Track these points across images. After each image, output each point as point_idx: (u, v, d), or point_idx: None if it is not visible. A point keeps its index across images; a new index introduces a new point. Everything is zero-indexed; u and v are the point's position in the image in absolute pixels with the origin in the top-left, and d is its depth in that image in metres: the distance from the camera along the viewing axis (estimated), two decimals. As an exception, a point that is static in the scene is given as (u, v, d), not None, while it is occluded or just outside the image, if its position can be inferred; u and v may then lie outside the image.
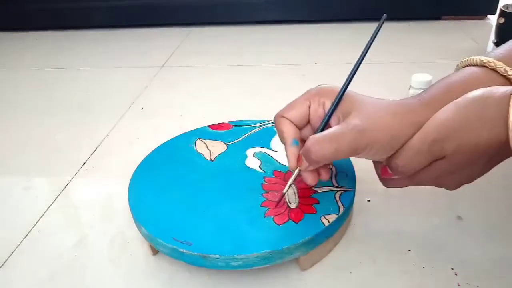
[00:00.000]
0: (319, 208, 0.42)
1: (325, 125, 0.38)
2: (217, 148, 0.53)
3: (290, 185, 0.40)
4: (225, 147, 0.53)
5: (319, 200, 0.44)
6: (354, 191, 0.45)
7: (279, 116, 0.40)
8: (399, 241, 0.45)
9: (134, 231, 0.48)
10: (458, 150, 0.32)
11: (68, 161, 0.63)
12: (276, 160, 0.50)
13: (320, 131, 0.38)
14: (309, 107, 0.39)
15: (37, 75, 0.97)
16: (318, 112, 0.39)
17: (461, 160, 0.33)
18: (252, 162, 0.50)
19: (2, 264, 0.46)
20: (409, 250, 0.43)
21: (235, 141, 0.54)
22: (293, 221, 0.41)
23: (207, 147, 0.53)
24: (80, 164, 0.62)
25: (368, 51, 0.38)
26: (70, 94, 0.86)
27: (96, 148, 0.66)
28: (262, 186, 0.46)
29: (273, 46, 1.06)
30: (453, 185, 0.37)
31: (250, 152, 0.52)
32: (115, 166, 0.61)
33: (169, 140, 0.56)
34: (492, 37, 0.93)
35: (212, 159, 0.51)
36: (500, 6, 0.91)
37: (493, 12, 1.10)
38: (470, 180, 0.36)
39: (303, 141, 0.40)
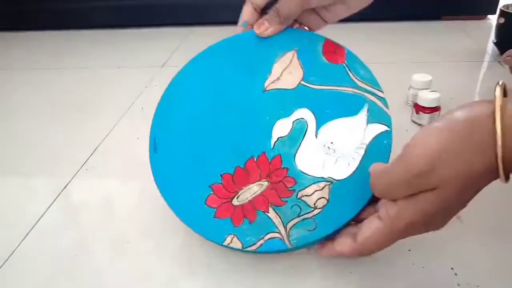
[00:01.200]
0: (245, 227, 0.40)
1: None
2: (288, 78, 0.45)
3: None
4: (295, 85, 0.45)
5: (256, 218, 0.41)
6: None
7: None
8: (399, 241, 0.45)
9: (134, 231, 0.48)
10: (449, 181, 0.29)
11: (68, 161, 0.63)
12: (298, 149, 0.43)
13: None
14: None
15: (37, 75, 0.97)
16: None
17: (452, 191, 0.29)
18: (281, 128, 0.44)
19: (2, 264, 0.46)
20: (409, 250, 0.43)
21: (314, 86, 0.45)
22: (214, 210, 0.41)
23: (283, 69, 0.46)
24: (80, 164, 0.62)
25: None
26: (70, 94, 0.86)
27: (96, 148, 0.66)
28: (248, 160, 0.43)
29: (273, 46, 1.06)
30: (440, 221, 0.34)
31: (298, 114, 0.44)
32: (115, 166, 0.61)
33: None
34: (492, 37, 0.93)
35: (266, 89, 0.45)
36: (500, 6, 0.91)
37: (493, 12, 1.10)
38: (456, 212, 0.33)
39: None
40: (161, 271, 0.43)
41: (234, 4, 1.32)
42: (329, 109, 0.44)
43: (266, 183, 0.42)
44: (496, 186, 0.53)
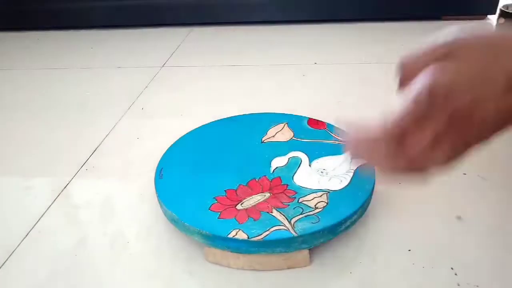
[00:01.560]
0: (249, 223, 0.42)
1: None
2: (282, 136, 0.56)
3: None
4: (288, 139, 0.56)
5: (261, 216, 0.43)
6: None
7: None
8: (399, 241, 0.45)
9: (134, 231, 0.48)
10: (470, 54, 0.26)
11: (68, 161, 0.63)
12: (295, 172, 0.50)
13: None
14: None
15: (37, 75, 0.97)
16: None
17: (473, 66, 0.25)
18: (278, 162, 0.52)
19: (2, 264, 0.46)
20: (409, 250, 0.43)
21: (303, 139, 0.55)
22: (218, 213, 0.44)
23: (277, 132, 0.57)
24: (80, 164, 0.62)
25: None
26: (70, 94, 0.86)
27: (96, 148, 0.66)
28: (250, 181, 0.48)
29: (273, 46, 1.06)
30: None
31: (292, 154, 0.53)
32: (115, 166, 0.61)
33: (271, 112, 0.61)
34: (492, 37, 0.93)
35: (263, 141, 0.55)
36: (500, 6, 0.91)
37: (493, 12, 1.10)
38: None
39: None
40: (161, 271, 0.43)
41: (234, 4, 1.32)
42: (318, 151, 0.53)
43: (268, 194, 0.46)
44: (496, 186, 0.53)
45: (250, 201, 0.45)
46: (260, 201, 0.45)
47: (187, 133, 0.58)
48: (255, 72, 0.91)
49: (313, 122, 0.59)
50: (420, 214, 0.48)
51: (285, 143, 0.55)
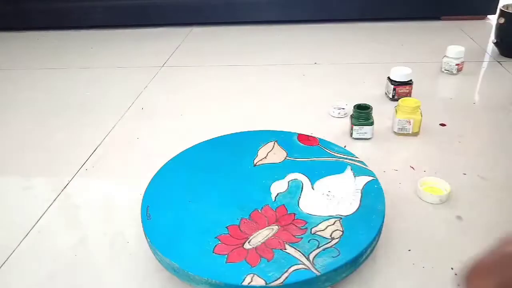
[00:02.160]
0: (263, 265, 0.37)
1: None
2: (274, 157, 0.51)
3: None
4: (282, 160, 0.51)
5: (274, 257, 0.38)
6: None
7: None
8: (398, 241, 0.45)
9: (134, 231, 0.48)
10: None
11: (68, 161, 0.63)
12: (299, 197, 0.45)
13: None
14: None
15: (37, 75, 0.97)
16: None
17: None
18: (278, 187, 0.47)
19: (2, 264, 0.46)
20: (409, 250, 0.43)
21: (298, 159, 0.51)
22: (226, 257, 0.38)
23: (268, 152, 0.52)
24: (80, 164, 0.62)
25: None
26: (70, 94, 0.86)
27: (96, 148, 0.66)
28: (252, 212, 0.43)
29: (273, 46, 1.06)
30: None
31: (290, 176, 0.48)
32: (115, 166, 0.61)
33: (258, 130, 0.57)
34: (492, 37, 0.93)
35: (256, 164, 0.50)
36: (500, 6, 0.91)
37: (493, 12, 1.10)
38: None
39: None
40: (161, 271, 0.43)
41: (234, 4, 1.33)
42: (318, 171, 0.49)
43: (276, 227, 0.42)
44: (496, 186, 0.53)
45: (258, 238, 0.40)
46: (269, 236, 0.40)
47: (170, 160, 0.52)
48: (255, 72, 0.91)
49: (303, 138, 0.55)
50: (420, 213, 0.48)
51: (280, 164, 0.50)
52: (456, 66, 0.82)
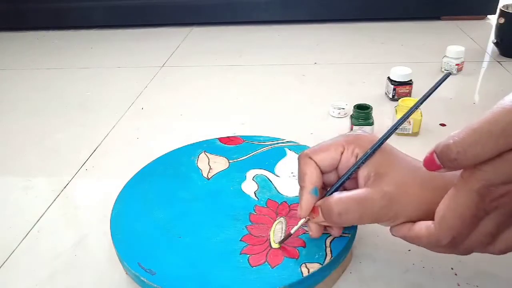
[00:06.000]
0: (304, 252, 0.38)
1: (349, 177, 0.35)
2: (218, 165, 0.51)
3: (288, 236, 0.38)
4: (227, 165, 0.50)
5: (306, 242, 0.39)
6: (352, 236, 0.40)
7: (305, 156, 0.36)
8: (399, 241, 0.44)
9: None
10: None
11: (68, 161, 0.63)
12: (275, 187, 0.47)
13: (341, 183, 0.35)
14: (342, 153, 0.35)
15: (37, 75, 0.97)
16: (349, 162, 0.35)
17: None
18: (248, 186, 0.47)
19: (2, 264, 0.46)
20: (409, 250, 0.43)
21: (240, 158, 0.51)
22: (269, 264, 0.37)
23: (208, 163, 0.51)
24: (80, 164, 0.62)
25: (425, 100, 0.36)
26: (70, 94, 0.86)
27: (96, 148, 0.66)
28: (250, 217, 0.42)
29: (273, 46, 1.06)
30: None
31: (251, 174, 0.49)
32: (115, 166, 0.61)
33: (175, 149, 0.54)
34: (492, 37, 0.93)
35: (209, 177, 0.49)
36: (500, 6, 0.91)
37: (493, 12, 1.10)
38: None
39: (324, 187, 0.37)
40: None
41: (234, 4, 1.32)
42: (267, 161, 0.51)
43: (282, 218, 0.42)
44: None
45: (278, 234, 0.40)
46: (284, 229, 0.40)
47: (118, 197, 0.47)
48: (255, 72, 0.91)
49: (225, 140, 0.55)
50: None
51: (230, 169, 0.50)
52: (456, 66, 0.82)
